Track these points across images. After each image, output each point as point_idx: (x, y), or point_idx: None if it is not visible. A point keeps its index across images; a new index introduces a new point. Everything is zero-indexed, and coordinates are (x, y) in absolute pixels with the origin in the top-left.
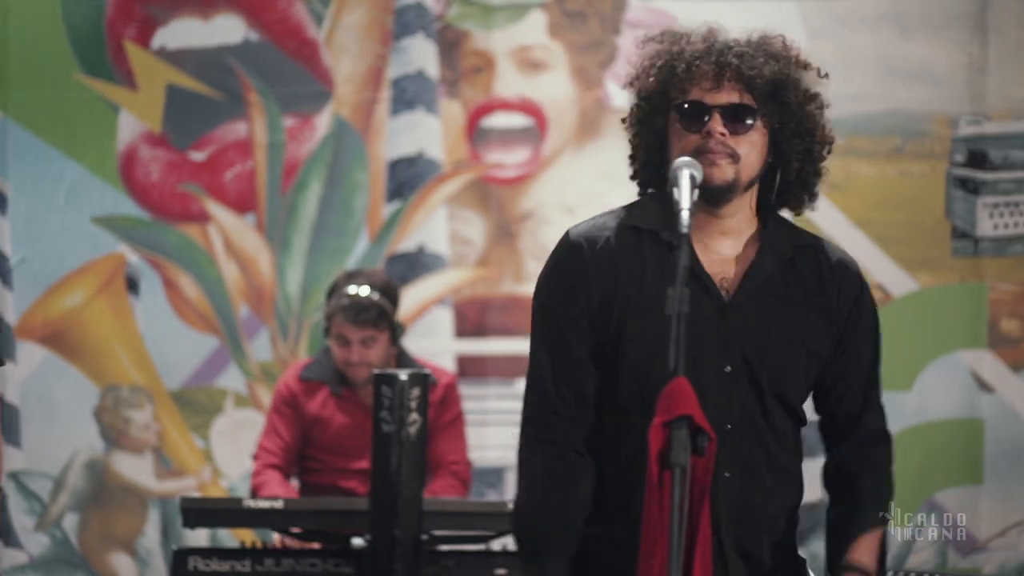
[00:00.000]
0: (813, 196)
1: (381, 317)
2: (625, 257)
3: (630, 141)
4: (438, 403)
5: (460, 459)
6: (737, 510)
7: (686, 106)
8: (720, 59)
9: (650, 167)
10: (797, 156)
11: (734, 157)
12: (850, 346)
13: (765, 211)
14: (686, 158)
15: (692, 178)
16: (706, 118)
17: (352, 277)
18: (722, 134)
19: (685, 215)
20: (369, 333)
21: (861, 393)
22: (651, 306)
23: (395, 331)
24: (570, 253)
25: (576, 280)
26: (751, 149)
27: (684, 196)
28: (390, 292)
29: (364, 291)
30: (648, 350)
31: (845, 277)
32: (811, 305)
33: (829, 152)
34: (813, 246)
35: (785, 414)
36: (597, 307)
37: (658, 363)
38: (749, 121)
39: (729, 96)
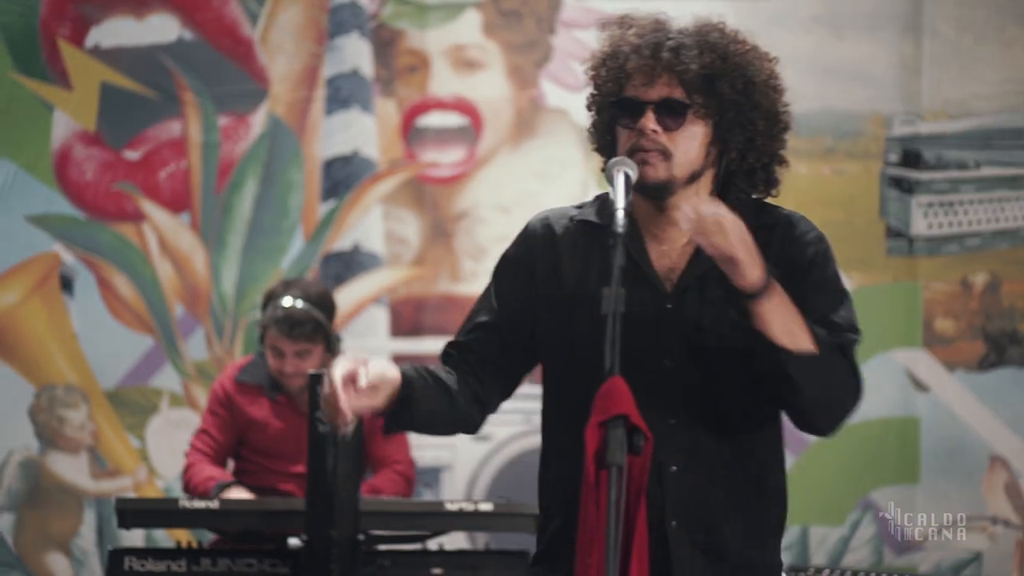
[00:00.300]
0: (770, 182)
1: (316, 331)
2: (573, 250)
3: (589, 131)
4: None
5: (403, 458)
6: (687, 505)
7: (621, 103)
8: (653, 54)
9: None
10: (737, 146)
11: (666, 154)
12: (806, 288)
13: (727, 196)
14: (620, 157)
15: (627, 177)
16: (639, 114)
17: (288, 287)
18: (654, 131)
19: (620, 215)
20: (303, 346)
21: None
22: (590, 304)
23: (330, 343)
24: (523, 234)
25: (523, 259)
26: (689, 143)
27: (619, 196)
28: (326, 304)
29: (299, 304)
30: (585, 348)
31: (800, 245)
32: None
33: (780, 138)
34: (773, 226)
35: (745, 402)
36: (539, 290)
37: (594, 362)
38: (682, 116)
39: (661, 91)
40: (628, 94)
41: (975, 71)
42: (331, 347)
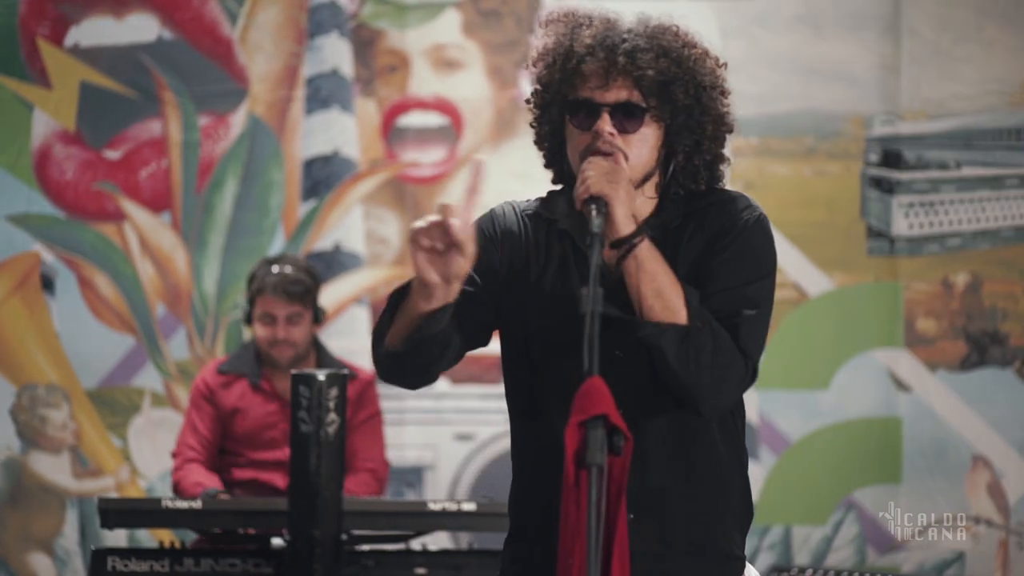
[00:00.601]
0: (713, 179)
1: (307, 293)
2: (528, 241)
3: (532, 125)
4: (355, 401)
5: (376, 457)
6: (637, 496)
7: (575, 104)
8: (609, 56)
9: (556, 162)
10: (684, 149)
11: (623, 156)
12: (716, 265)
13: (668, 190)
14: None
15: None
16: (595, 117)
17: (275, 260)
18: (611, 133)
19: (595, 215)
20: (296, 309)
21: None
22: (550, 299)
23: (317, 312)
24: (491, 215)
25: (493, 237)
26: (642, 145)
27: (593, 215)
28: (313, 272)
29: (288, 269)
30: (546, 344)
31: (727, 216)
32: (697, 266)
33: (724, 139)
34: (710, 204)
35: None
36: (505, 274)
37: (554, 358)
38: (639, 120)
39: (618, 94)
40: (583, 95)
41: (955, 71)
42: (317, 317)
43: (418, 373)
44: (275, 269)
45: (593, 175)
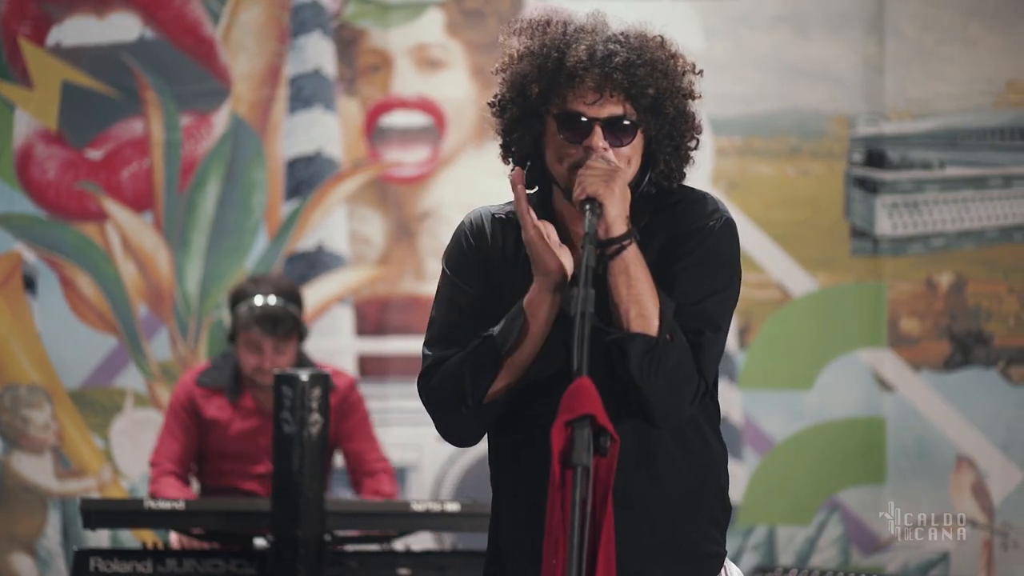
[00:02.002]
0: (681, 178)
1: (295, 326)
2: (503, 246)
3: (500, 133)
4: (344, 404)
5: (382, 456)
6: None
7: (566, 118)
8: (603, 71)
9: (535, 169)
10: (665, 156)
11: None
12: (681, 268)
13: (641, 190)
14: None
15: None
16: (587, 131)
17: (258, 284)
18: (605, 148)
19: (589, 215)
20: (282, 341)
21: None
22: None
23: (302, 334)
24: (466, 230)
25: (474, 253)
26: (631, 155)
27: (587, 219)
28: (296, 297)
29: (273, 300)
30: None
31: (692, 218)
32: (663, 265)
33: (697, 140)
34: (677, 203)
35: None
36: (479, 291)
37: (538, 359)
38: (631, 134)
39: (612, 109)
40: (575, 109)
41: (939, 71)
42: (302, 339)
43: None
44: (259, 301)
45: (590, 177)
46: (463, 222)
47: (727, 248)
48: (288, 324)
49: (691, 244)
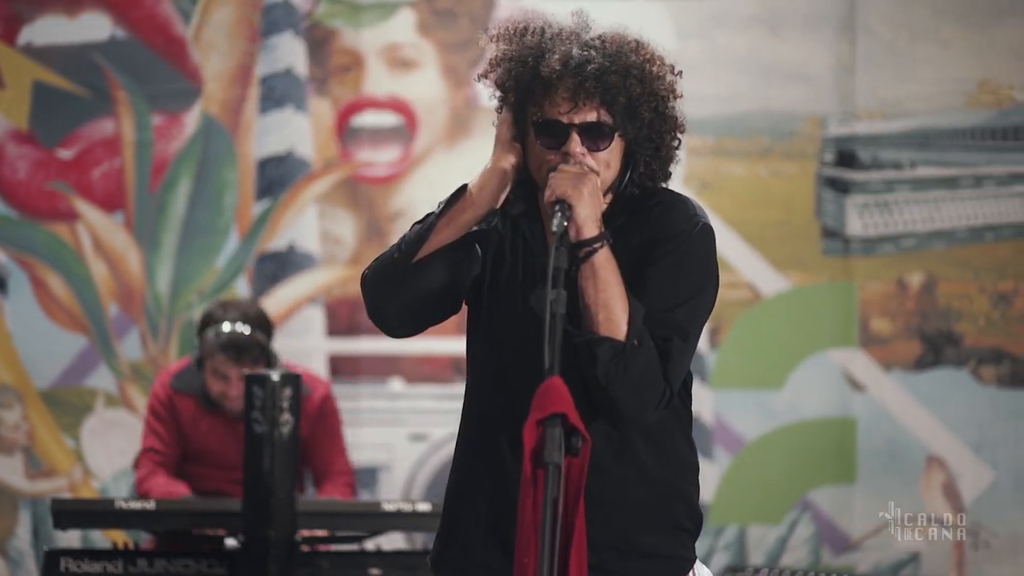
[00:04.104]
0: (665, 176)
1: (261, 354)
2: (498, 234)
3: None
4: (317, 413)
5: (346, 468)
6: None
7: (544, 125)
8: (577, 78)
9: (523, 172)
10: (645, 158)
11: (596, 173)
12: (654, 273)
13: (623, 191)
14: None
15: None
16: (564, 138)
17: (227, 310)
18: (582, 153)
19: (558, 216)
20: (248, 369)
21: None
22: (506, 296)
23: (271, 363)
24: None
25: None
26: (610, 159)
27: (556, 217)
28: (265, 325)
29: (240, 327)
30: (498, 340)
31: (666, 224)
32: (636, 268)
33: (680, 140)
34: (654, 206)
35: None
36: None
37: (507, 354)
38: (607, 138)
39: (587, 115)
40: (551, 117)
41: (910, 71)
42: (271, 366)
43: (418, 302)
44: (226, 328)
45: (560, 179)
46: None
47: (702, 254)
48: (254, 352)
49: (666, 248)
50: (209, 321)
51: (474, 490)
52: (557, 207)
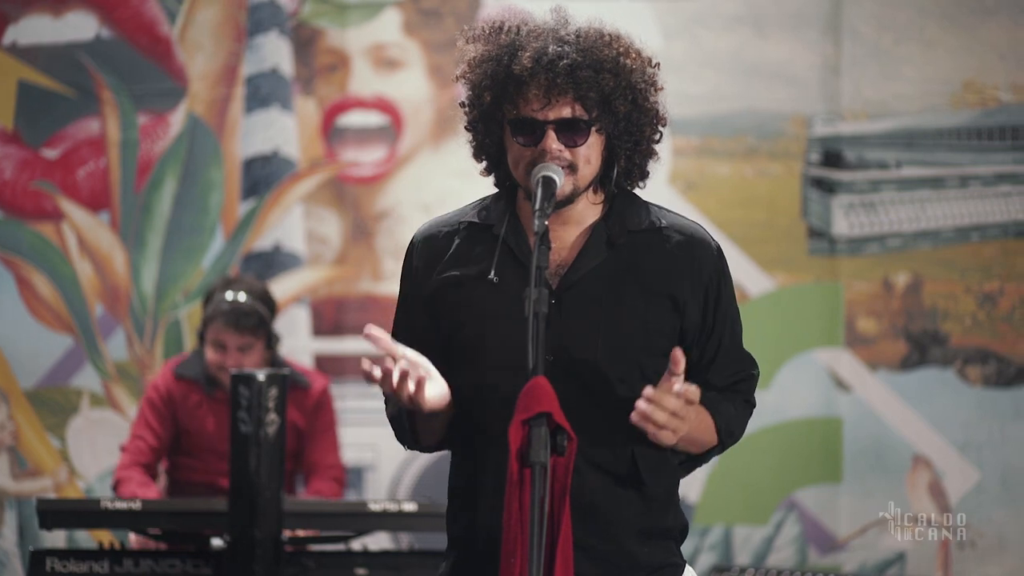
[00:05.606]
0: (644, 175)
1: (260, 325)
2: (458, 252)
3: (469, 142)
4: (314, 407)
5: (336, 463)
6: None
7: (519, 123)
8: (550, 75)
9: (501, 169)
10: (626, 152)
11: (572, 168)
12: (718, 320)
13: (612, 194)
14: (546, 163)
15: (550, 181)
16: (540, 135)
17: (231, 283)
18: (559, 149)
19: (538, 217)
20: (247, 340)
21: (730, 368)
22: (489, 303)
23: (271, 339)
24: (408, 251)
25: (409, 275)
26: (589, 154)
27: (538, 198)
28: (268, 300)
29: (242, 297)
30: (485, 346)
31: (698, 254)
32: (650, 288)
33: (661, 134)
34: (651, 231)
35: (621, 402)
36: (429, 298)
37: (494, 359)
38: (584, 133)
39: (561, 111)
40: (525, 114)
41: (896, 71)
42: (271, 344)
43: (440, 432)
44: (229, 296)
45: (665, 422)
46: (409, 243)
47: (731, 282)
48: (252, 319)
49: (719, 291)
50: (213, 293)
51: (473, 491)
52: (539, 181)
